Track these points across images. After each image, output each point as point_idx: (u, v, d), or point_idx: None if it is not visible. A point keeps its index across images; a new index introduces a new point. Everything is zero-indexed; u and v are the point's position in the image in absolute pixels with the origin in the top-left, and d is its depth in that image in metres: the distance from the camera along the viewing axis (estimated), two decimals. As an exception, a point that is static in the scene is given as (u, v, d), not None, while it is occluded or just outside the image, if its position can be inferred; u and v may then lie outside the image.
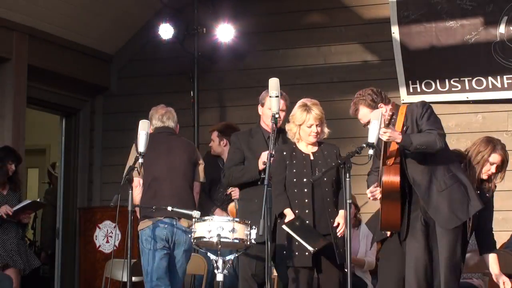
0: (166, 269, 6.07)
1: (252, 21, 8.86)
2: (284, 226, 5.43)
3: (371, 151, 4.76)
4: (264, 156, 5.68)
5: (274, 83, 4.80)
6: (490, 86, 7.86)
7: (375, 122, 4.68)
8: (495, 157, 5.58)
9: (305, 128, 5.69)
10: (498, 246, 7.01)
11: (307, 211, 5.60)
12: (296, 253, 5.52)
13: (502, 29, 7.83)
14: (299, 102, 5.76)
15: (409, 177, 5.28)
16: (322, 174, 5.25)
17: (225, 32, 8.57)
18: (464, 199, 5.26)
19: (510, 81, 7.78)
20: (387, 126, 5.00)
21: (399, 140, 5.13)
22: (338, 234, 5.55)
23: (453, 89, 7.92)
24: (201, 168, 6.30)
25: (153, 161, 6.02)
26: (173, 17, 8.72)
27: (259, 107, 6.10)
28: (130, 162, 5.96)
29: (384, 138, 5.10)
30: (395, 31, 8.11)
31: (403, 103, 7.79)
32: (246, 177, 5.94)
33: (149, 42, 9.19)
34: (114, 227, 8.61)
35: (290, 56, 8.74)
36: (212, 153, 7.49)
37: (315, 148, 5.79)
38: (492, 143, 5.61)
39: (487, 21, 7.88)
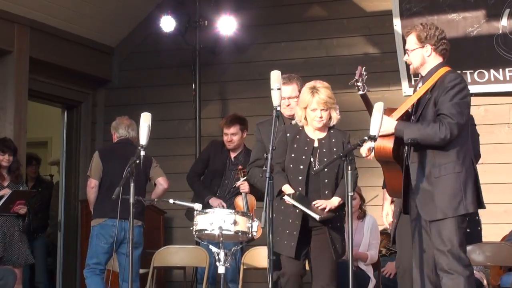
0: (107, 261, 6.97)
1: (254, 14, 8.85)
2: (286, 197, 5.26)
3: (372, 144, 4.65)
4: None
5: (276, 76, 4.77)
6: (492, 79, 7.85)
7: (377, 115, 4.61)
8: None
9: (309, 112, 5.41)
10: (499, 238, 7.03)
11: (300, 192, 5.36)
12: (285, 242, 5.32)
13: (504, 21, 7.82)
14: (309, 83, 5.50)
15: (406, 153, 4.94)
16: (324, 167, 5.03)
17: (227, 25, 8.55)
18: (458, 193, 4.82)
19: (512, 73, 7.78)
20: (361, 89, 4.92)
21: (392, 131, 4.86)
22: (316, 205, 5.27)
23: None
24: (157, 169, 7.20)
25: (111, 169, 6.91)
26: (174, 9, 8.71)
27: None
28: (93, 171, 7.06)
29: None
30: (397, 23, 8.09)
31: (405, 96, 7.80)
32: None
33: (150, 35, 9.18)
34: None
35: (292, 49, 8.72)
36: (230, 146, 7.39)
37: (323, 134, 5.47)
38: None
39: (489, 14, 7.86)
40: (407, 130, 4.83)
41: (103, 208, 6.93)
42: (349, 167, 4.59)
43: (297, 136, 5.45)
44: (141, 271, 7.27)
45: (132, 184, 5.34)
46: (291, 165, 5.39)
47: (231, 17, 8.57)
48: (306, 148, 5.40)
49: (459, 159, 4.82)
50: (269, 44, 8.83)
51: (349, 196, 4.58)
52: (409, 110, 5.03)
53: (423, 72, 5.01)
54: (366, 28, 8.49)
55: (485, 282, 6.75)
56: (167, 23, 8.60)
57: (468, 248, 6.10)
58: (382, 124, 4.70)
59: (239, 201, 7.03)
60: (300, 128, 5.48)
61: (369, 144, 4.61)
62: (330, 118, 5.44)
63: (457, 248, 4.78)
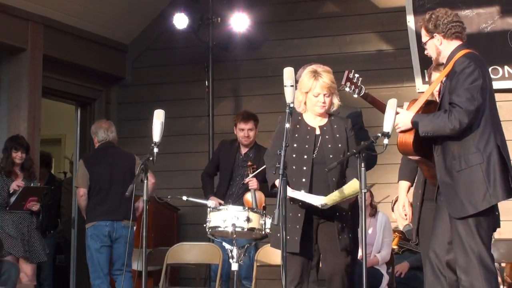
0: (107, 261, 7.23)
1: (266, 11, 8.84)
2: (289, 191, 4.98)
3: (386, 141, 4.58)
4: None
5: (289, 73, 4.75)
6: (506, 75, 7.82)
7: (391, 112, 4.58)
8: None
9: (311, 97, 5.16)
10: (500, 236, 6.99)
11: (302, 191, 5.07)
12: (288, 237, 4.95)
13: (518, 17, 7.78)
14: (309, 67, 5.29)
15: (433, 146, 4.76)
16: (338, 163, 4.87)
17: (239, 22, 8.55)
18: (481, 186, 4.60)
19: (526, 70, 7.74)
20: (357, 93, 4.82)
21: (410, 126, 4.73)
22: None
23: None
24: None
25: (98, 174, 7.21)
26: (187, 6, 8.72)
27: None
28: (80, 180, 7.30)
29: (397, 130, 4.79)
30: (410, 20, 8.07)
31: (418, 92, 7.77)
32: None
33: (164, 32, 9.19)
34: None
35: (305, 46, 8.71)
36: (247, 142, 7.40)
37: (324, 121, 5.23)
38: None
39: (503, 10, 7.83)
40: (421, 123, 4.68)
41: (95, 213, 7.24)
42: (362, 164, 4.57)
43: (297, 126, 5.20)
44: (154, 268, 7.29)
45: (145, 181, 5.34)
46: (294, 155, 5.13)
47: (244, 14, 8.57)
48: (308, 137, 5.17)
49: (479, 149, 4.62)
50: (282, 41, 8.82)
51: (363, 194, 4.55)
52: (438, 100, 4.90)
53: (444, 60, 4.87)
54: (379, 25, 8.47)
55: (499, 280, 6.72)
56: (180, 20, 8.61)
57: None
58: (400, 118, 4.65)
59: (248, 196, 7.04)
60: (299, 118, 5.25)
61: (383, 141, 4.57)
62: (331, 104, 5.22)
63: (481, 250, 4.61)
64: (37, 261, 7.46)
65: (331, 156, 5.09)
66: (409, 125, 4.72)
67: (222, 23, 8.72)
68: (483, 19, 7.90)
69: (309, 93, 5.17)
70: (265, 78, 8.72)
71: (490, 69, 7.80)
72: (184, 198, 5.94)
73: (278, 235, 4.99)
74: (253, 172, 6.93)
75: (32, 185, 7.41)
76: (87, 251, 7.28)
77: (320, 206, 4.97)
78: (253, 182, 7.02)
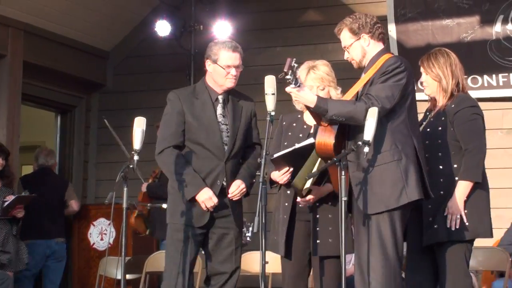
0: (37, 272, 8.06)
1: (249, 19, 8.85)
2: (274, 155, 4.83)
3: (367, 149, 4.50)
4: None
5: (270, 81, 4.72)
6: (486, 85, 7.87)
7: (371, 120, 4.53)
8: None
9: None
10: (491, 243, 7.02)
11: (288, 192, 4.94)
12: (274, 238, 4.91)
13: (498, 27, 7.84)
14: (307, 62, 5.10)
15: (347, 144, 4.60)
16: (319, 171, 4.66)
17: (222, 29, 8.55)
18: (398, 182, 4.45)
19: (505, 79, 7.79)
20: (293, 82, 4.37)
21: (311, 105, 4.46)
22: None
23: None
24: (71, 192, 8.42)
25: (35, 196, 7.52)
26: (170, 14, 8.71)
27: (208, 62, 5.26)
28: None
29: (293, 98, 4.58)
30: (391, 29, 8.11)
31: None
32: None
33: (146, 39, 9.18)
34: (109, 224, 8.59)
35: (287, 54, 8.58)
36: None
37: None
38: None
39: (483, 20, 7.88)
40: (330, 104, 4.45)
41: (31, 231, 7.84)
42: (343, 172, 4.51)
43: (294, 124, 5.06)
44: (133, 276, 7.26)
45: (125, 189, 5.31)
46: None
47: (226, 22, 8.58)
48: (300, 135, 4.99)
49: (397, 146, 4.48)
50: (264, 49, 8.83)
51: (343, 201, 4.50)
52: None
53: (366, 63, 4.74)
54: (361, 34, 8.49)
55: (476, 287, 6.75)
56: (162, 28, 8.60)
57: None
58: (303, 93, 4.46)
59: None
60: (299, 116, 5.08)
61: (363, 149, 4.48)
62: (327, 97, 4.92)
63: (391, 248, 4.45)
64: (15, 270, 7.39)
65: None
66: (312, 103, 4.47)
67: (204, 31, 8.72)
68: (463, 29, 7.95)
69: None
70: (247, 86, 8.67)
71: (470, 78, 7.86)
72: (164, 206, 5.90)
73: (275, 238, 4.96)
74: None
75: (23, 194, 7.42)
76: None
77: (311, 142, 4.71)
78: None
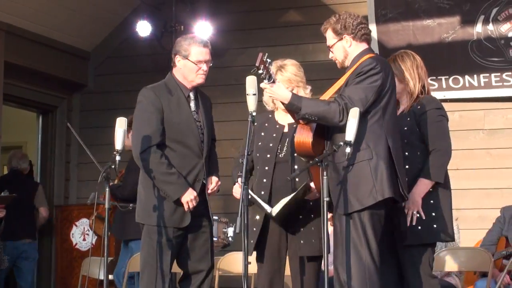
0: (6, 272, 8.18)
1: (229, 19, 8.85)
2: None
3: (348, 149, 4.51)
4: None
5: (251, 81, 4.72)
6: (467, 85, 7.90)
7: (353, 120, 4.54)
8: None
9: None
10: (473, 244, 7.07)
11: (262, 192, 4.93)
12: (251, 241, 4.91)
13: (479, 28, 7.87)
14: (277, 61, 5.13)
15: (326, 144, 4.63)
16: (300, 172, 4.69)
17: (202, 30, 8.54)
18: (368, 181, 4.48)
19: (486, 79, 7.83)
20: (267, 77, 4.37)
21: (285, 101, 4.49)
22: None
23: (430, 87, 7.94)
24: (41, 197, 8.51)
25: (16, 196, 7.57)
26: (150, 14, 8.70)
27: (178, 58, 5.28)
28: None
29: (265, 96, 4.66)
30: (372, 29, 8.09)
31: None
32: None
33: (126, 39, 9.16)
34: (91, 225, 8.56)
35: (268, 54, 8.70)
36: None
37: None
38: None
39: (464, 20, 7.91)
40: (305, 103, 4.49)
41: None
42: (325, 173, 4.51)
43: (266, 124, 5.07)
44: (112, 277, 7.26)
45: (107, 189, 5.31)
46: (257, 155, 5.03)
47: (207, 22, 8.57)
48: (274, 135, 5.00)
49: (369, 146, 4.51)
50: (245, 49, 8.82)
51: (325, 202, 4.51)
52: None
53: (349, 63, 4.78)
54: (342, 34, 8.50)
55: None
56: (143, 28, 8.59)
57: (443, 253, 6.15)
58: (276, 89, 4.50)
59: None
60: (270, 116, 5.11)
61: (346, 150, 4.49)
62: None
63: (363, 248, 4.46)
64: None
65: (295, 154, 4.84)
66: (286, 99, 4.51)
67: (185, 31, 8.68)
68: (445, 29, 7.98)
69: None
70: (228, 86, 8.71)
71: (451, 79, 7.89)
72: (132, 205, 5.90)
73: (252, 241, 4.95)
74: None
75: (2, 194, 7.41)
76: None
77: (270, 212, 4.81)
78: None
